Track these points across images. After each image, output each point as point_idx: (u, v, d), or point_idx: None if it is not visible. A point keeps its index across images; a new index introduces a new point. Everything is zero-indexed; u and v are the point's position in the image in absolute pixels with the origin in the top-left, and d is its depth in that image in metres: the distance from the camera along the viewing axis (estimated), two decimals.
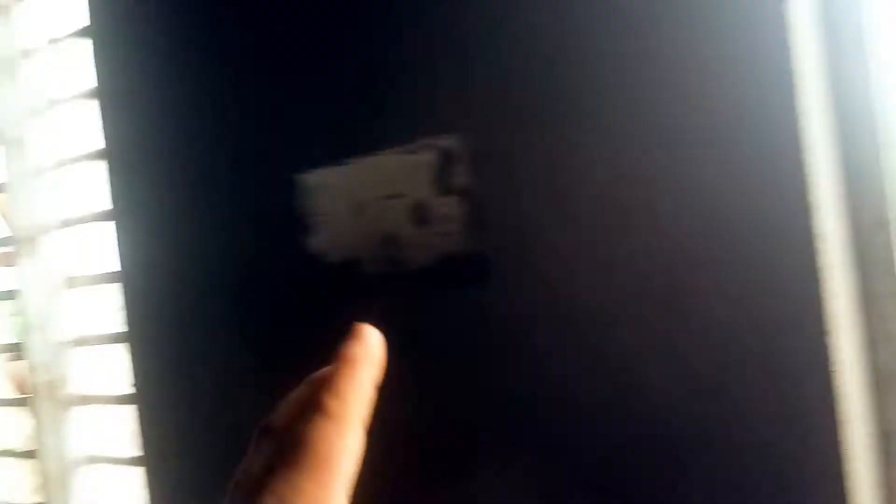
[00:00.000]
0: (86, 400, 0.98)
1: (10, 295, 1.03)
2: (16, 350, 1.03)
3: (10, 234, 1.00)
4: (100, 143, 0.86)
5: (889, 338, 0.48)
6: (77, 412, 0.99)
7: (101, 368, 1.01)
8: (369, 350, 0.28)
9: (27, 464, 1.07)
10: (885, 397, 0.48)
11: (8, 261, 1.02)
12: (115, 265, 0.86)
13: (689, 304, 0.52)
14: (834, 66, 0.51)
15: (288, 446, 0.24)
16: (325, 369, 0.29)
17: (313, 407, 0.25)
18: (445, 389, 0.63)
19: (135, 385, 0.86)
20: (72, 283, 0.98)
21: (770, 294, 0.48)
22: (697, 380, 0.51)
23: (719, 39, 0.50)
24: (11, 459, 1.10)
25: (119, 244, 0.85)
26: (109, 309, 0.99)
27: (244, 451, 0.33)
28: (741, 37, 0.49)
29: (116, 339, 0.91)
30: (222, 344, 0.78)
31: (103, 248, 0.97)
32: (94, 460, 0.98)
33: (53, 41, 0.96)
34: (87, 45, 0.87)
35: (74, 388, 0.99)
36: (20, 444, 1.17)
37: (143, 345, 0.84)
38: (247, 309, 0.75)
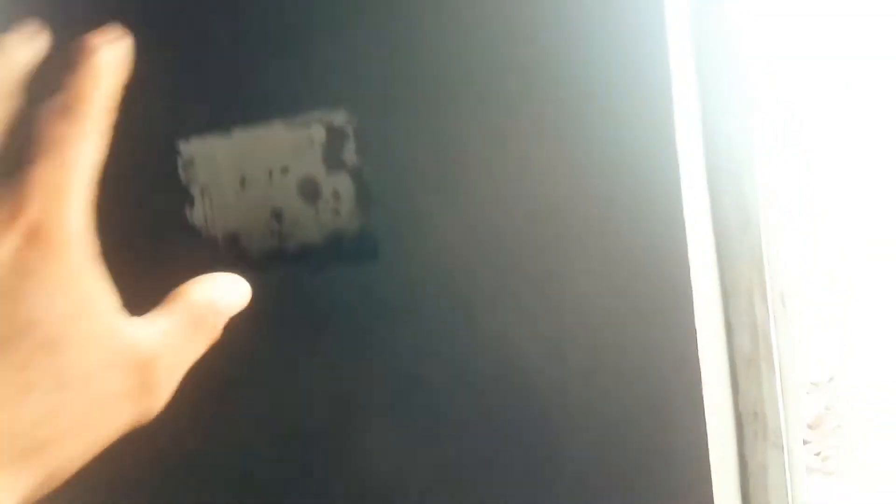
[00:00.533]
0: None
1: None
2: None
3: None
4: None
5: (751, 326, 0.52)
6: None
7: None
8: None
9: None
10: (740, 382, 0.52)
11: None
12: None
13: (565, 290, 0.54)
14: (703, 79, 0.54)
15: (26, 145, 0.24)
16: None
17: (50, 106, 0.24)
18: (332, 365, 0.63)
19: None
20: None
21: (643, 285, 0.51)
22: (572, 362, 0.54)
23: (605, 63, 0.51)
24: None
25: None
26: None
27: None
28: (623, 62, 0.51)
29: None
30: None
31: None
32: None
33: None
34: None
35: None
36: None
37: None
38: (119, 281, 0.71)
